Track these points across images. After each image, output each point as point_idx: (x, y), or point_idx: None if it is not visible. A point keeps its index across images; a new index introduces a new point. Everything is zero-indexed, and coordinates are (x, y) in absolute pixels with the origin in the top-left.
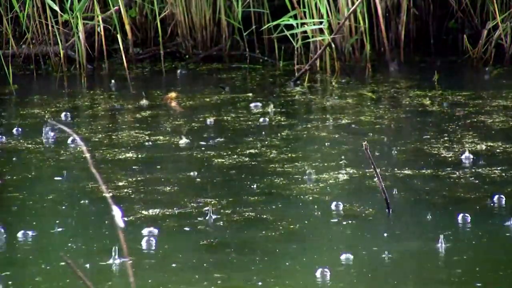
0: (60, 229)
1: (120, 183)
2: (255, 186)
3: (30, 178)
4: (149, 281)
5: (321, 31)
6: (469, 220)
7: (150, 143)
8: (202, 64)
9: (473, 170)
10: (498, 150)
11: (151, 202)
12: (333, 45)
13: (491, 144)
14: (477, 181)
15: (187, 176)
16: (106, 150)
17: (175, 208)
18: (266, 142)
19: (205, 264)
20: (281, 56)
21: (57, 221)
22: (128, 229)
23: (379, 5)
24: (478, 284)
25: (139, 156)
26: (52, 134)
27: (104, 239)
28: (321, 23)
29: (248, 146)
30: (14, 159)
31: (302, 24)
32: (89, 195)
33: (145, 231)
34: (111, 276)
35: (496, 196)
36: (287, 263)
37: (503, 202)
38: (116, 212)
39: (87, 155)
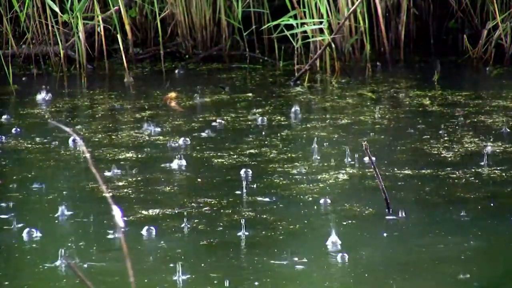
0: (60, 229)
1: (120, 183)
2: (255, 186)
3: (30, 178)
4: (149, 281)
5: (321, 31)
6: (468, 220)
7: (150, 143)
8: (202, 64)
9: (473, 170)
10: (498, 150)
11: (151, 202)
12: (333, 45)
13: (491, 144)
14: (477, 181)
15: (187, 176)
16: (106, 150)
17: (175, 208)
18: (266, 142)
19: (203, 264)
20: (281, 56)
21: (57, 221)
22: (128, 229)
23: (379, 5)
24: (475, 284)
25: (139, 156)
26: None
27: (104, 239)
28: (321, 23)
29: (248, 146)
30: (14, 159)
31: (302, 24)
32: (89, 195)
33: (144, 231)
34: (111, 276)
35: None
36: (287, 263)
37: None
38: (116, 212)
39: (87, 154)
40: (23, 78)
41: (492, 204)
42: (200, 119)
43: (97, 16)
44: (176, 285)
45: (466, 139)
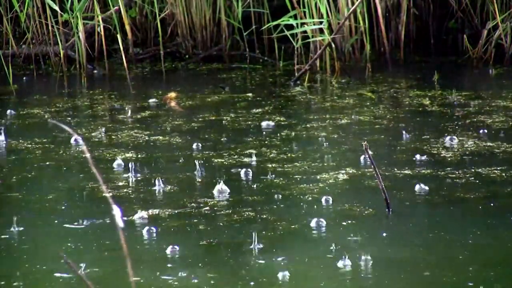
0: (60, 229)
1: (120, 183)
2: (255, 186)
3: (30, 178)
4: (149, 280)
5: (321, 31)
6: (468, 220)
7: (150, 143)
8: (202, 64)
9: (473, 170)
10: (498, 150)
11: (151, 202)
12: (333, 45)
13: (491, 144)
14: (477, 181)
15: (187, 176)
16: (106, 150)
17: (175, 208)
18: (266, 142)
19: (201, 264)
20: (281, 56)
21: (56, 221)
22: (128, 229)
23: (379, 5)
24: (470, 284)
25: (139, 156)
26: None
27: (104, 239)
28: (321, 23)
29: (248, 146)
30: (14, 159)
31: (302, 24)
32: (89, 195)
33: (144, 231)
34: (111, 276)
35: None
36: (286, 263)
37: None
38: (116, 212)
39: (87, 154)
40: (23, 78)
41: (492, 204)
42: (200, 119)
43: (97, 16)
44: (176, 285)
45: (466, 139)
